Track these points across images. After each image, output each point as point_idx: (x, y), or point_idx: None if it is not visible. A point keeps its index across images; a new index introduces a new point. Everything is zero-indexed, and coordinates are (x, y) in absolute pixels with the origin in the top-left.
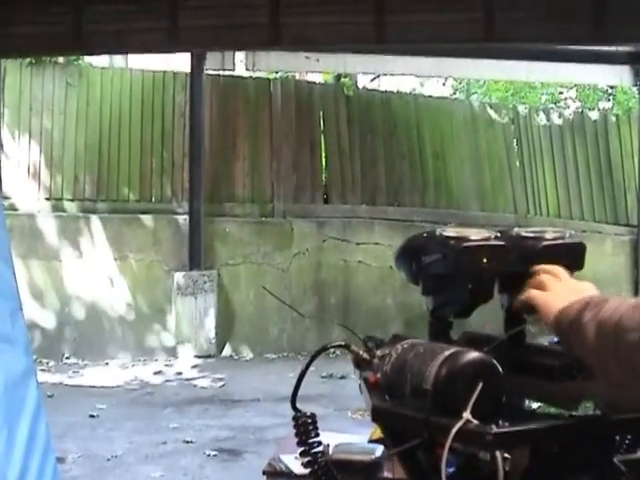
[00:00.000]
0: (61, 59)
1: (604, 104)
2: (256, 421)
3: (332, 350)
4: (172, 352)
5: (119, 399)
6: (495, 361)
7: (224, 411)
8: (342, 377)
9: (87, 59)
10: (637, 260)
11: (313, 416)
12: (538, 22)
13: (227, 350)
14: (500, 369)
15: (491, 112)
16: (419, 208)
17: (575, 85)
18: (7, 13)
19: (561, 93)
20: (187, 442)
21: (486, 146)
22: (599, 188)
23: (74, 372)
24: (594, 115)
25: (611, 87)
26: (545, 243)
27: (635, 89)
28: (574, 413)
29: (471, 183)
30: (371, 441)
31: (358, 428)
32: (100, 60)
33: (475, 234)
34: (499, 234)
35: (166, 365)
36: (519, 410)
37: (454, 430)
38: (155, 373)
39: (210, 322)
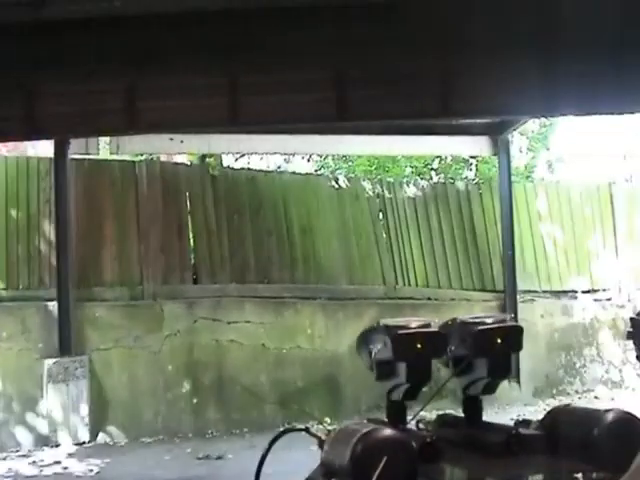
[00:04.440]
0: None
1: (466, 173)
2: None
3: (210, 430)
4: (45, 441)
5: None
6: (406, 437)
7: None
8: (219, 457)
9: None
10: None
11: None
12: (389, 100)
13: (102, 436)
14: (412, 446)
15: (355, 186)
16: (289, 284)
17: (437, 157)
18: None
19: (424, 165)
20: None
21: (353, 220)
22: (465, 256)
23: None
24: (459, 185)
25: (472, 157)
26: (482, 327)
27: (495, 158)
28: None
29: (339, 257)
30: None
31: None
32: None
33: (414, 322)
34: (442, 322)
35: (39, 455)
36: None
37: None
38: (27, 463)
39: (83, 408)
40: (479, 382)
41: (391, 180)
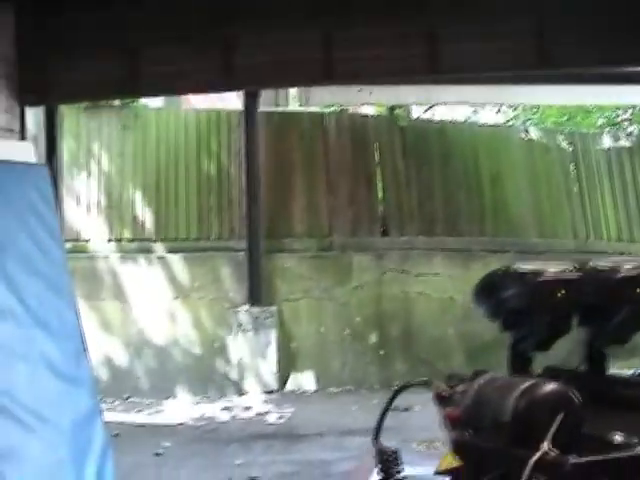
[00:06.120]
0: (116, 102)
1: None
2: (321, 455)
3: (396, 382)
4: (235, 388)
5: (183, 436)
6: (573, 392)
7: (288, 446)
8: (405, 409)
9: (142, 100)
10: None
11: (397, 451)
12: (588, 46)
13: (290, 385)
14: (578, 400)
15: (546, 138)
16: (478, 237)
17: (631, 107)
18: (64, 60)
19: (617, 116)
20: (252, 478)
21: (543, 172)
22: None
23: (139, 410)
24: None
25: None
26: (623, 275)
27: None
28: None
29: (529, 210)
30: (437, 473)
31: (424, 460)
32: (155, 101)
33: (551, 268)
34: (576, 267)
35: (229, 401)
36: (600, 441)
37: (533, 460)
38: (218, 409)
39: (272, 357)
40: (611, 333)
41: (583, 131)
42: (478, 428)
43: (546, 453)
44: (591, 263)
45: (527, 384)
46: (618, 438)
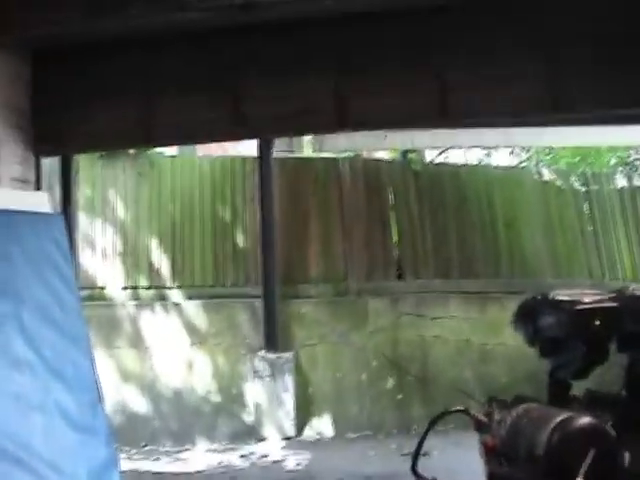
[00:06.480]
0: (132, 150)
1: None
2: None
3: (414, 427)
4: (252, 435)
5: None
6: (608, 426)
7: None
8: (424, 454)
9: (157, 149)
10: None
11: None
12: (602, 90)
13: (307, 431)
14: (613, 434)
15: (560, 179)
16: (493, 279)
17: None
18: (79, 110)
19: (629, 156)
20: None
21: (557, 213)
22: None
23: (156, 459)
24: None
25: None
26: None
27: None
28: None
29: (544, 251)
30: None
31: None
32: (170, 149)
33: (588, 296)
34: (612, 294)
35: (247, 448)
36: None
37: None
38: (235, 457)
39: (289, 403)
40: None
41: (596, 172)
42: (513, 459)
43: None
44: (629, 289)
45: (561, 417)
46: None
